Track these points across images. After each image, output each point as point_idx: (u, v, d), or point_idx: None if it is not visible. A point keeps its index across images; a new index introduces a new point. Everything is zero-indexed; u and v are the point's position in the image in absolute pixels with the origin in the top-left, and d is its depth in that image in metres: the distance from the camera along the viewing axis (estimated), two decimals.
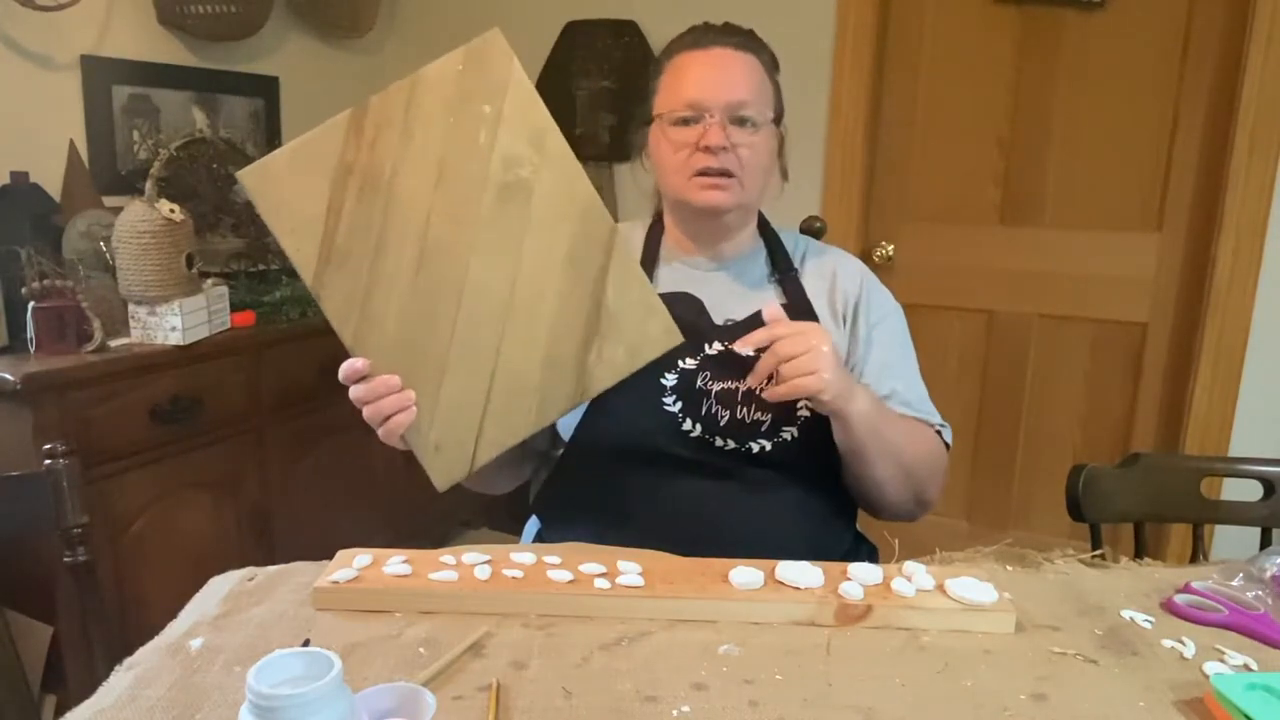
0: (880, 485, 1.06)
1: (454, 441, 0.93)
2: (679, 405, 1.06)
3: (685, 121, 1.07)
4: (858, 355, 1.14)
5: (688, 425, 1.06)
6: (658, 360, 0.97)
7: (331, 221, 0.89)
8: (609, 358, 0.95)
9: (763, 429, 1.05)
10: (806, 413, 1.06)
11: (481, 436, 0.94)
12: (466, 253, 0.92)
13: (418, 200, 0.91)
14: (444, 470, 0.94)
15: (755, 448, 1.06)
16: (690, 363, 1.06)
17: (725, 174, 1.07)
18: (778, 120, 1.13)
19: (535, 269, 0.93)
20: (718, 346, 1.07)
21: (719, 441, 1.06)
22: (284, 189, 0.88)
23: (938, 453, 1.12)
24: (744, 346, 0.98)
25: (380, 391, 0.91)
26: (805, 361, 0.93)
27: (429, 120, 0.90)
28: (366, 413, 0.92)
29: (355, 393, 0.92)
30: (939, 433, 1.14)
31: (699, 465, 1.05)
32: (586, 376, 0.95)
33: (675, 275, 1.16)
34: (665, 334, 0.96)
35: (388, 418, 0.91)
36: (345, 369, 0.91)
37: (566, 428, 1.10)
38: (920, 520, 1.14)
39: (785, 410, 1.05)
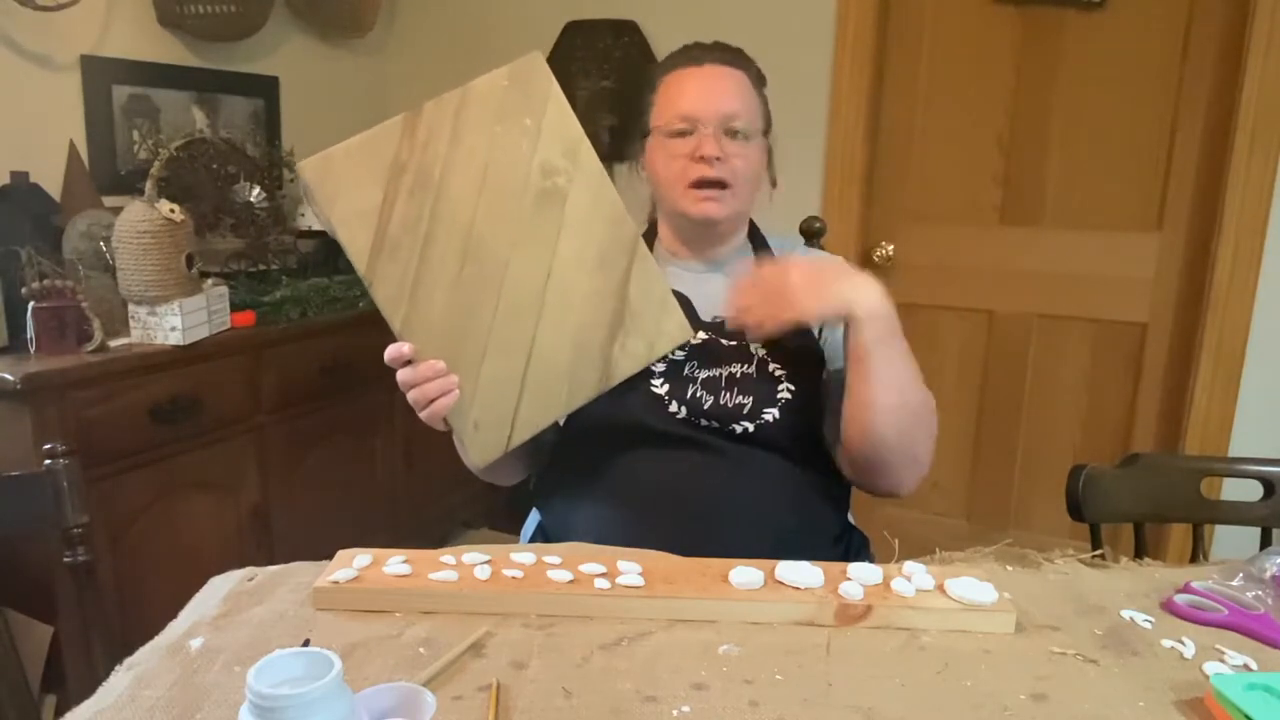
0: (877, 413, 1.02)
1: (492, 421, 1.00)
2: (666, 388, 1.12)
3: (680, 134, 1.13)
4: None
5: (674, 407, 1.11)
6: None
7: (385, 214, 0.93)
8: (631, 349, 1.03)
9: (744, 411, 1.10)
10: (787, 395, 1.11)
11: (517, 417, 1.00)
12: (507, 250, 0.98)
13: (464, 200, 0.96)
14: (482, 448, 1.00)
15: (739, 429, 1.10)
16: (679, 353, 1.12)
17: (720, 185, 1.12)
18: (766, 132, 1.19)
19: (567, 267, 1.00)
20: (702, 336, 1.13)
21: (703, 422, 1.11)
22: (341, 181, 0.92)
23: (933, 414, 1.08)
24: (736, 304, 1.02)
25: (427, 375, 0.95)
26: (780, 305, 1.00)
27: (476, 128, 0.96)
28: (412, 395, 0.97)
29: (402, 376, 0.96)
30: None
31: (687, 441, 1.10)
32: (610, 365, 1.03)
33: (669, 277, 1.17)
34: (680, 329, 1.05)
35: (432, 400, 0.95)
36: (391, 352, 0.96)
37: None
38: (920, 520, 1.14)
39: (765, 394, 1.10)
